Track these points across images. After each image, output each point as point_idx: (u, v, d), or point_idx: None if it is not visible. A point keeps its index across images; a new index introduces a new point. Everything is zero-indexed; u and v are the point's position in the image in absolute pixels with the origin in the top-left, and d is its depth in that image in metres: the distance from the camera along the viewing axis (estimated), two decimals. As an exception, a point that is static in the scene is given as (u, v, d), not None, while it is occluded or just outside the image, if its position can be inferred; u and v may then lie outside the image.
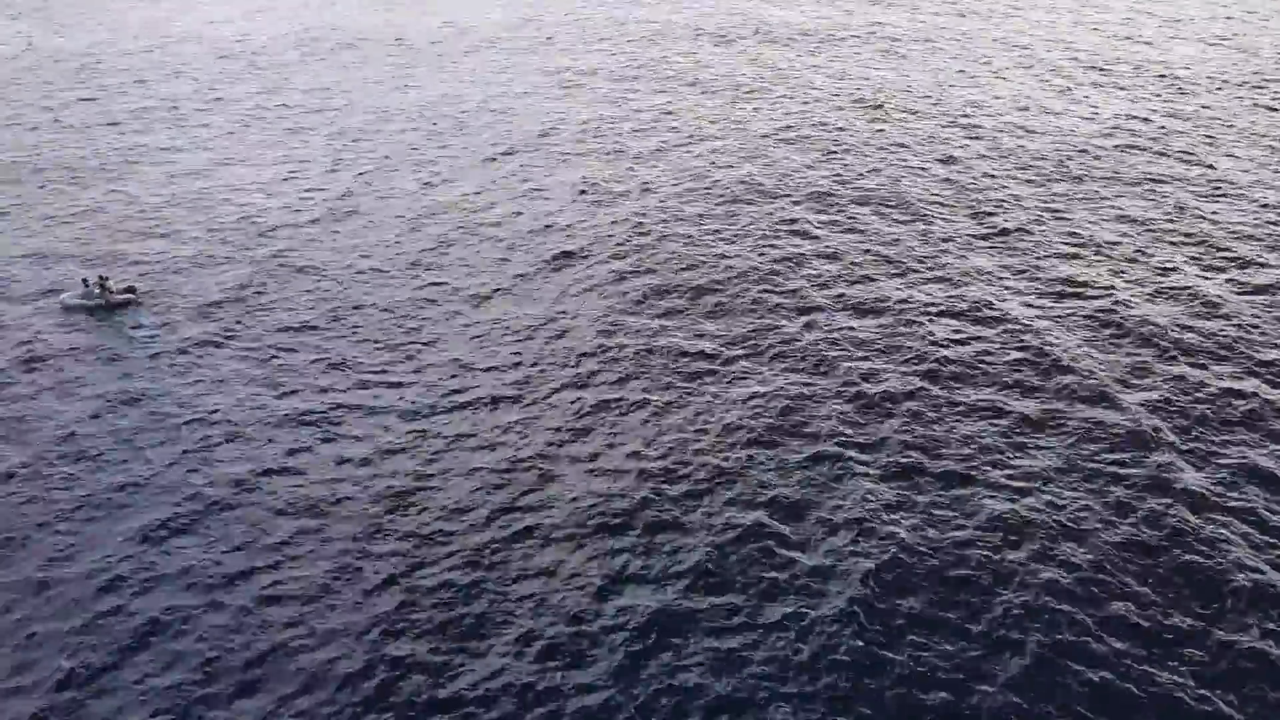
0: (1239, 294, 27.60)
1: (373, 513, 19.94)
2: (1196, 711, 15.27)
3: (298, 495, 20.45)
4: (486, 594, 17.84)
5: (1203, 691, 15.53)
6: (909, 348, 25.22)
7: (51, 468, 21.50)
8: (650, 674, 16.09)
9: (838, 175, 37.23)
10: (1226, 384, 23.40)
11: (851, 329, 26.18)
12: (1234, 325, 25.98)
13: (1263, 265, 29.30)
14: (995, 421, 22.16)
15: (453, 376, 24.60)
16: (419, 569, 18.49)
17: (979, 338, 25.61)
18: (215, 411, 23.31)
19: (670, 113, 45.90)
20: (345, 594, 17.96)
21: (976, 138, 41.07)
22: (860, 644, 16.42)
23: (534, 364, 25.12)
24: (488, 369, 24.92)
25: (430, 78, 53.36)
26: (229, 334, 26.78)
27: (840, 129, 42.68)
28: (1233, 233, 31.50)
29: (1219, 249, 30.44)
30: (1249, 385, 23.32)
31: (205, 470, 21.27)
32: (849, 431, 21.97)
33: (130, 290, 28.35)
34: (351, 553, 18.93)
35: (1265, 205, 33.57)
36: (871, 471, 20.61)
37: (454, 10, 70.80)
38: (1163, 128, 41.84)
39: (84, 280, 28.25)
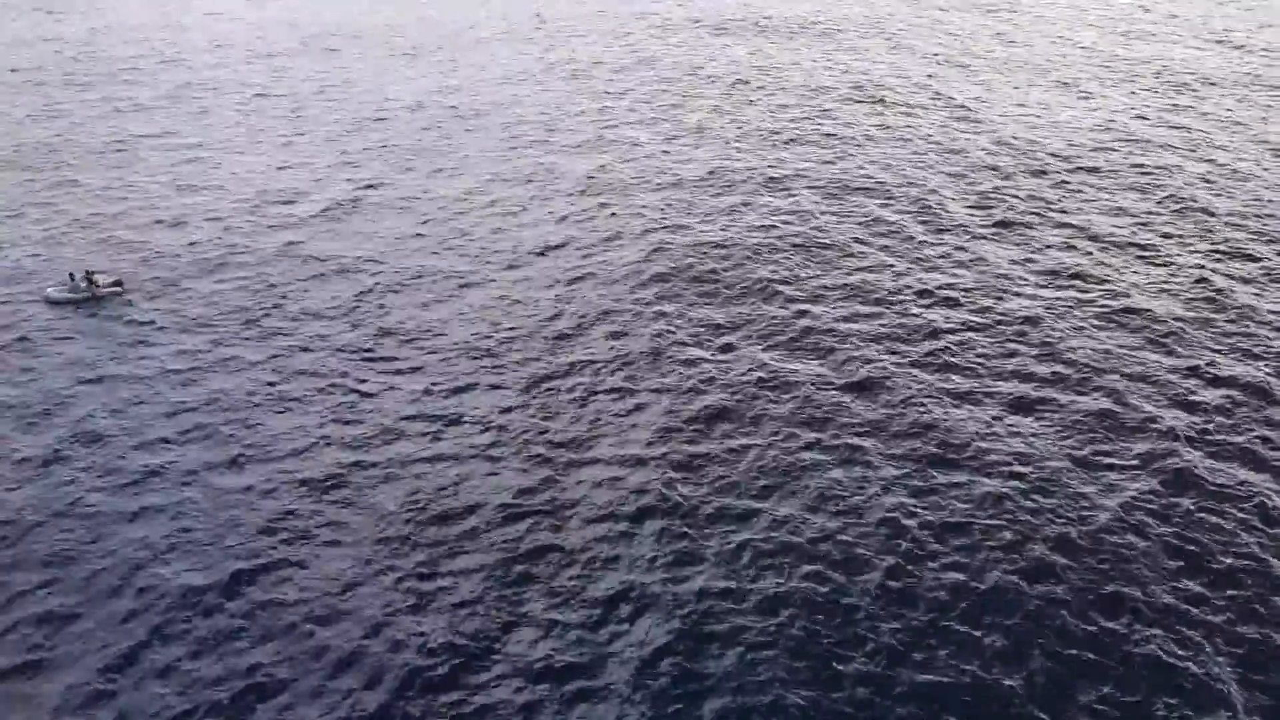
0: (1240, 284, 27.47)
1: (386, 502, 19.86)
2: (1219, 701, 15.26)
3: (311, 481, 20.40)
4: (498, 581, 17.78)
5: (1222, 679, 15.51)
6: (918, 336, 25.12)
7: (61, 456, 21.39)
8: (663, 662, 16.03)
9: (840, 167, 37.06)
10: (1228, 372, 23.35)
11: (859, 317, 26.06)
12: (1233, 315, 25.90)
13: (1259, 258, 29.19)
14: (1002, 410, 22.06)
15: (458, 365, 24.46)
16: (435, 551, 18.45)
17: (987, 326, 25.48)
18: (216, 400, 23.26)
19: (675, 105, 45.73)
20: (361, 580, 17.91)
21: (977, 131, 40.89)
22: (872, 637, 16.37)
23: (541, 354, 25.03)
24: (493, 356, 24.77)
25: (433, 70, 53.17)
26: (226, 323, 26.61)
27: (843, 122, 42.50)
28: (1230, 224, 31.36)
29: (1219, 240, 30.31)
30: (1248, 372, 23.23)
31: (208, 459, 21.21)
32: (857, 420, 21.92)
33: (117, 283, 28.07)
34: (368, 538, 18.88)
35: (1260, 199, 33.42)
36: (881, 461, 20.55)
37: (456, 5, 70.55)
38: (1162, 121, 41.67)
39: (70, 274, 27.99)
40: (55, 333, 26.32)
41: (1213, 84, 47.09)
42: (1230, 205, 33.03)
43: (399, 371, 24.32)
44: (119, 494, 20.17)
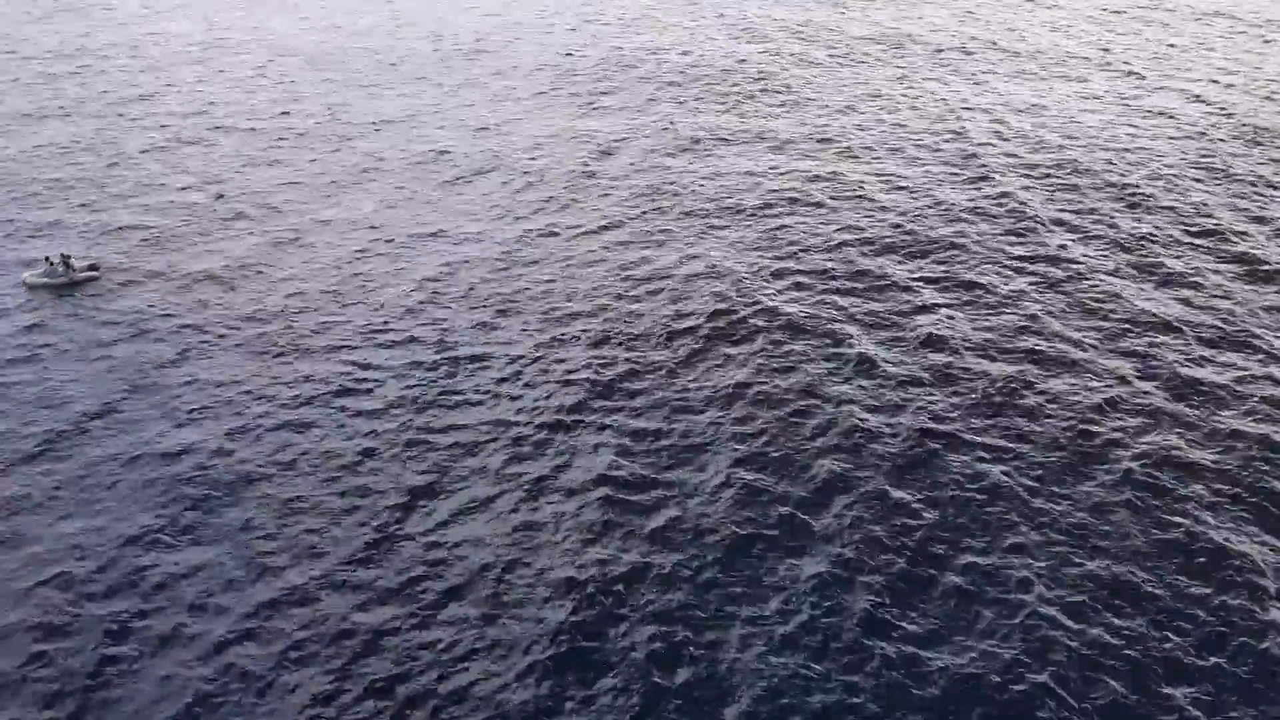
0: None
1: (392, 477, 19.87)
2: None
3: (315, 465, 20.33)
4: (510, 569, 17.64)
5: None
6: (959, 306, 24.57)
7: (58, 440, 21.33)
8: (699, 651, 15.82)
9: (850, 145, 36.49)
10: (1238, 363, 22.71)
11: (917, 298, 25.74)
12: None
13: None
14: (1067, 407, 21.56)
15: (523, 349, 24.13)
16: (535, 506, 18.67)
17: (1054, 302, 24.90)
18: (209, 386, 23.14)
19: (717, 82, 45.24)
20: (363, 557, 17.86)
21: (975, 127, 40.19)
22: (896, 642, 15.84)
23: (607, 316, 24.69)
24: (561, 332, 24.41)
25: (464, 59, 52.91)
26: (213, 311, 26.32)
27: (858, 125, 41.91)
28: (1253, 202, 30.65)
29: (1240, 221, 29.61)
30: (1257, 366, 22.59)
31: (201, 439, 21.08)
32: (954, 417, 21.56)
33: (93, 268, 27.90)
34: (368, 512, 18.89)
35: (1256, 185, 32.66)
36: (962, 444, 20.02)
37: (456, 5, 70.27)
38: (1170, 112, 40.85)
39: (46, 258, 27.82)
40: (32, 316, 26.14)
41: (1230, 80, 46.11)
42: (1243, 184, 32.34)
43: (415, 354, 23.96)
44: (114, 484, 19.95)
